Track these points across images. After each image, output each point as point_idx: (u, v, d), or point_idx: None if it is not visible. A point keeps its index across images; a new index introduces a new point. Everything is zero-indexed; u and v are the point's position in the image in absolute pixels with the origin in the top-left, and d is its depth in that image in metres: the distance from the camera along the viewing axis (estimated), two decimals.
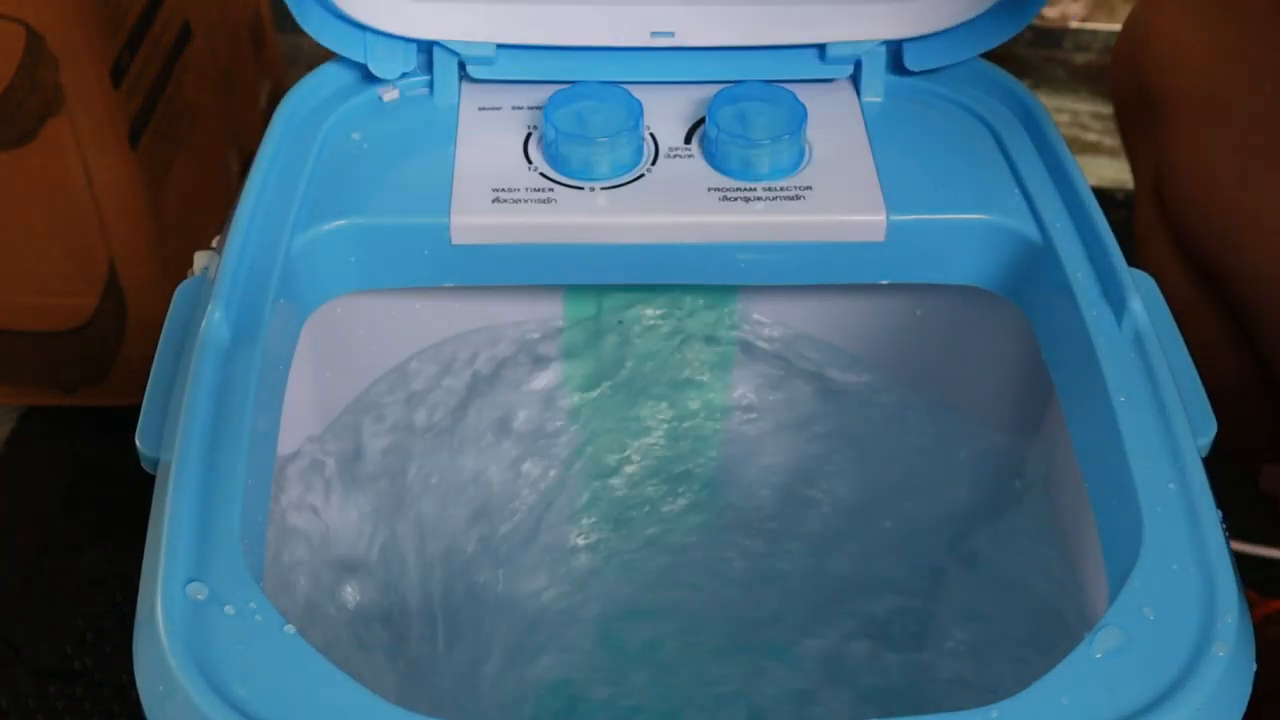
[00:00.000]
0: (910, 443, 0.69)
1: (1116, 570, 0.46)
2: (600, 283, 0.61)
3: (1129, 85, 0.75)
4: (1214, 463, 0.50)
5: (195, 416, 0.49)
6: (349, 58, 0.62)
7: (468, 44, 0.63)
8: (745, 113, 0.60)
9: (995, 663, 0.65)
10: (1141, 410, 0.50)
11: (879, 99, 0.64)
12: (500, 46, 0.63)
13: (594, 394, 0.70)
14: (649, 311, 0.67)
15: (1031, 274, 0.58)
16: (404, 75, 0.63)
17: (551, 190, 0.59)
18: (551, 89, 0.62)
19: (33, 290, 0.96)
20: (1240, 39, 0.67)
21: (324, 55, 0.65)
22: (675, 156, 0.61)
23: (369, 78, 0.64)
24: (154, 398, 0.52)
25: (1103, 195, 0.61)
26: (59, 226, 0.93)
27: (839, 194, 0.59)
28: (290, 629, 0.43)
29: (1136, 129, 0.74)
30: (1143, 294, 0.54)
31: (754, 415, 0.71)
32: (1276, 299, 0.64)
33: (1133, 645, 0.43)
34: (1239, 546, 0.89)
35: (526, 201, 0.59)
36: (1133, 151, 0.76)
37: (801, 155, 0.61)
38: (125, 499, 0.99)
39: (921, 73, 0.64)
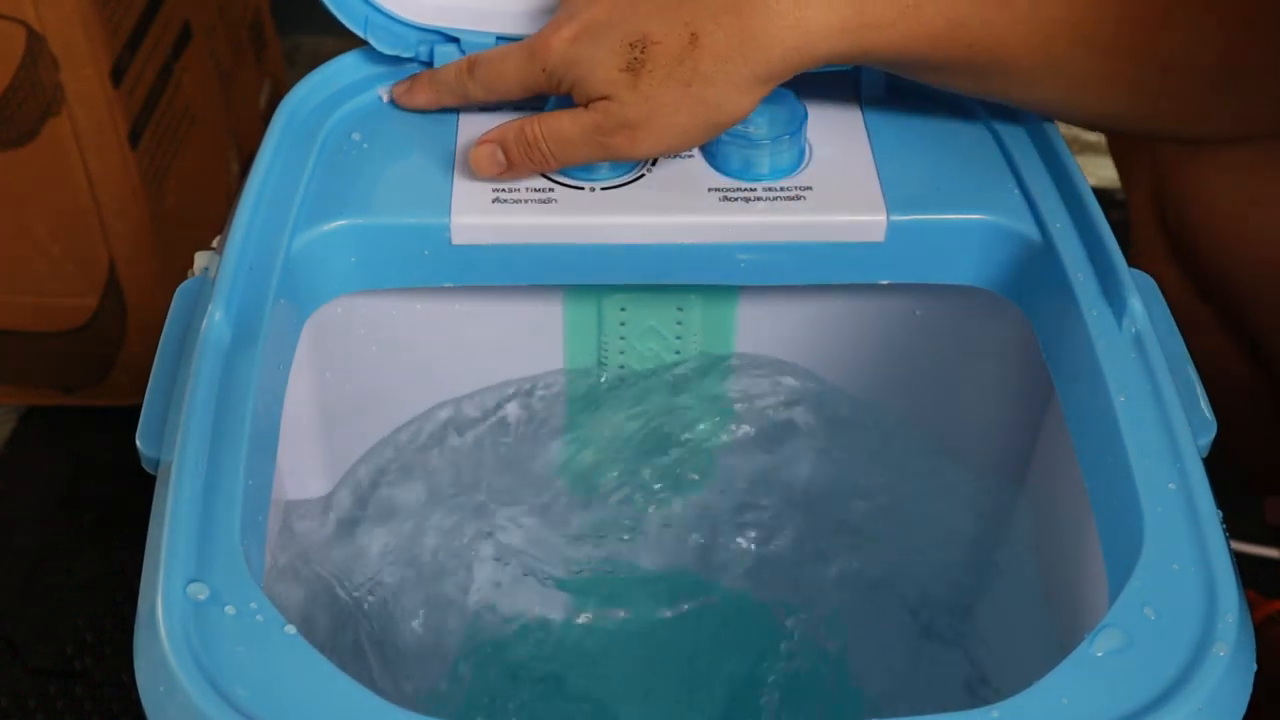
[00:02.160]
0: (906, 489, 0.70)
1: (1117, 570, 0.46)
2: (600, 283, 0.61)
3: None
4: (1214, 463, 0.50)
5: (196, 417, 0.49)
6: (349, 26, 0.63)
7: (467, 32, 0.63)
8: None
9: None
10: (1142, 410, 0.50)
11: (879, 99, 0.64)
12: (500, 38, 0.63)
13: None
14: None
15: (1031, 274, 0.58)
16: (402, 61, 0.64)
17: (552, 190, 0.59)
18: None
19: (33, 290, 0.96)
20: None
21: (324, 56, 0.65)
22: (675, 156, 0.61)
23: (369, 78, 0.64)
24: (154, 398, 0.52)
25: (1103, 195, 0.61)
26: (59, 226, 0.93)
27: (839, 194, 0.59)
28: (291, 629, 0.43)
29: (1130, 142, 0.74)
30: (1143, 294, 0.54)
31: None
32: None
33: (1133, 645, 0.43)
34: (1239, 546, 0.89)
35: (526, 202, 0.59)
36: (1124, 164, 0.76)
37: (802, 155, 0.61)
38: (125, 499, 0.99)
39: None
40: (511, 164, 0.59)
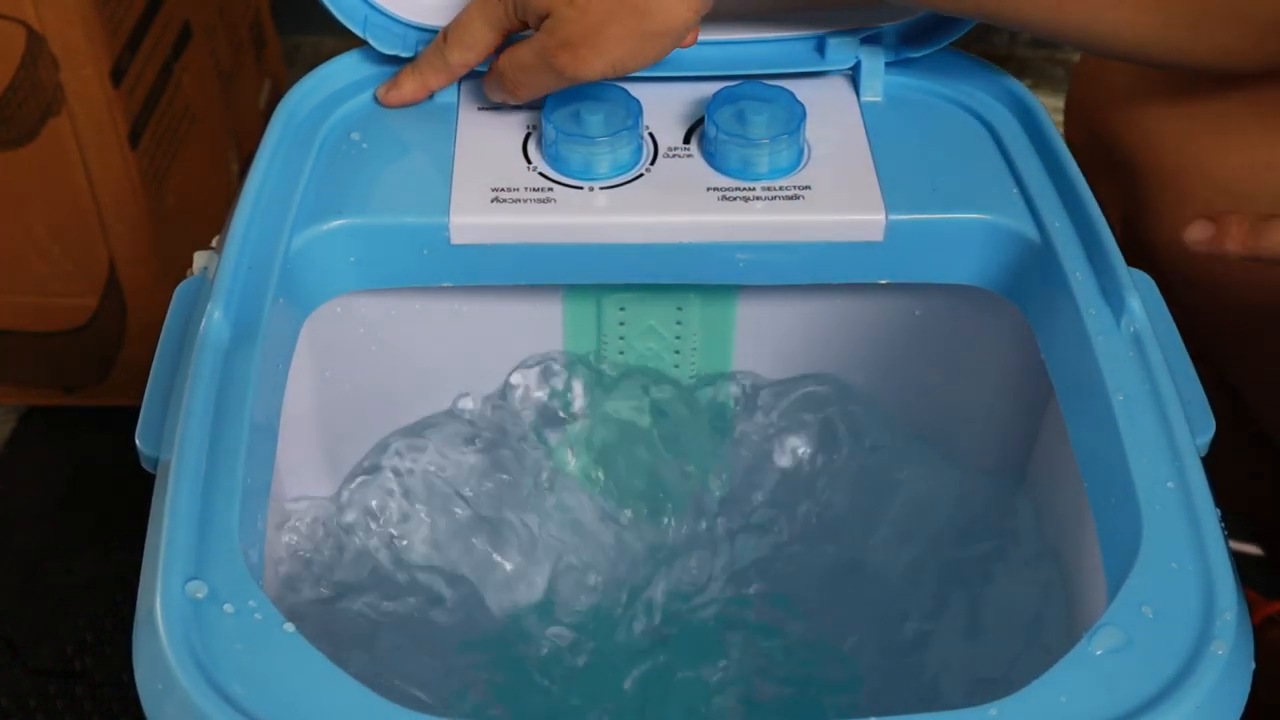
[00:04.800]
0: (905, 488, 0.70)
1: (1115, 568, 0.46)
2: (600, 282, 0.61)
3: (1084, 132, 0.75)
4: (1211, 463, 0.50)
5: (195, 416, 0.49)
6: (348, 26, 0.63)
7: None
8: (744, 112, 0.60)
9: None
10: (1140, 409, 0.50)
11: (878, 98, 0.64)
12: None
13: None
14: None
15: (1030, 273, 0.58)
16: (401, 60, 0.64)
17: (551, 190, 0.59)
18: None
19: (33, 290, 0.96)
20: (1194, 101, 0.66)
21: (324, 56, 0.65)
22: (674, 156, 0.61)
23: (368, 78, 0.64)
24: (154, 397, 0.52)
25: None
26: (59, 226, 0.93)
27: (838, 194, 0.59)
28: (289, 627, 0.43)
29: (1096, 173, 0.74)
30: (1141, 294, 0.54)
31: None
32: (1252, 348, 0.64)
33: (1132, 643, 0.43)
34: (1238, 546, 0.88)
35: (526, 201, 0.59)
36: (1094, 187, 0.76)
37: (800, 155, 0.61)
38: (125, 499, 0.99)
39: (922, 57, 0.63)
40: (503, 92, 0.61)
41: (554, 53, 0.58)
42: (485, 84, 0.63)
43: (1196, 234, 0.53)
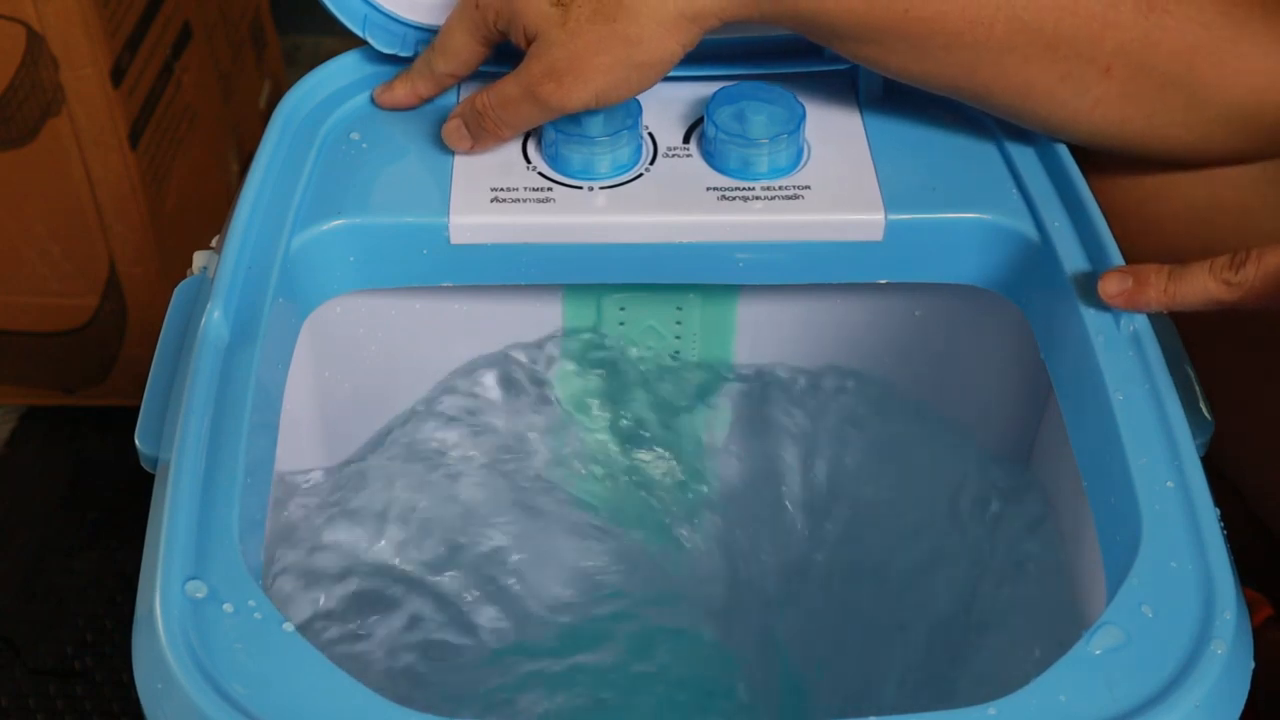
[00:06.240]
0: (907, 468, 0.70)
1: (1115, 568, 0.47)
2: (599, 282, 0.61)
3: None
4: (1211, 462, 0.50)
5: (194, 415, 0.49)
6: (348, 26, 0.63)
7: None
8: (744, 112, 0.60)
9: None
10: (1139, 408, 0.50)
11: (878, 98, 0.64)
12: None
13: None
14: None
15: (1030, 273, 0.58)
16: (401, 60, 0.64)
17: (550, 190, 0.59)
18: None
19: (33, 290, 0.97)
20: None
21: (324, 56, 0.65)
22: (674, 156, 0.61)
23: (368, 78, 0.64)
24: (154, 397, 0.52)
25: None
26: (59, 226, 0.93)
27: (837, 193, 0.59)
28: (289, 627, 0.43)
29: None
30: None
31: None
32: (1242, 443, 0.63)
33: (1131, 642, 0.43)
34: None
35: (525, 201, 0.59)
36: None
37: (800, 155, 0.61)
38: (125, 499, 1.00)
39: None
40: (472, 136, 0.60)
41: (539, 81, 0.57)
42: (450, 135, 0.60)
43: (1112, 287, 0.53)
